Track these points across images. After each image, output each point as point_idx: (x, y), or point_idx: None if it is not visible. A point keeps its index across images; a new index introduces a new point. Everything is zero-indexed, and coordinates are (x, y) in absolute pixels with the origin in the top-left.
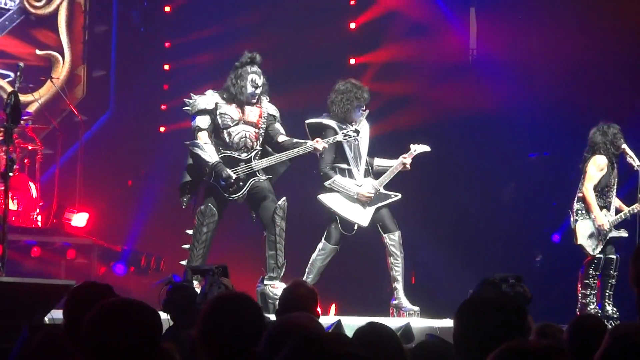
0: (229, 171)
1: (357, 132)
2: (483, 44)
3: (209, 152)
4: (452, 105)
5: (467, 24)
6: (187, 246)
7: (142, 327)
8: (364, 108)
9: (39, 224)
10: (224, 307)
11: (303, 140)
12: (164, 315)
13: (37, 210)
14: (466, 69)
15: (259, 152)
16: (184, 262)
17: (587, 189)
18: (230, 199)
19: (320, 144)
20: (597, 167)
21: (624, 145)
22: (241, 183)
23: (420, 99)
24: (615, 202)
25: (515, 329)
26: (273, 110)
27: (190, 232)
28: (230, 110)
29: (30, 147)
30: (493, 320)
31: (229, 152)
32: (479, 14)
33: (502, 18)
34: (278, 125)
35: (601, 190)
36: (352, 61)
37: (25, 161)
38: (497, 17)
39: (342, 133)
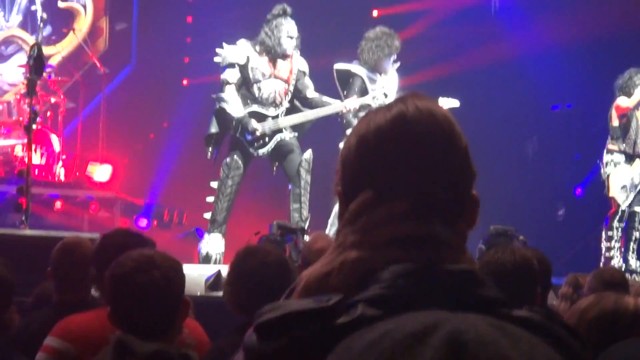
0: (256, 124)
1: (385, 95)
2: None
3: (235, 106)
4: (475, 56)
5: None
6: (211, 199)
7: (166, 279)
8: (395, 58)
9: (62, 177)
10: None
11: (332, 99)
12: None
13: (60, 163)
14: (488, 17)
15: (287, 109)
16: (207, 215)
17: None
18: (255, 154)
19: (349, 104)
20: (616, 103)
21: None
22: (267, 138)
23: (443, 50)
24: None
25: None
26: (303, 65)
27: (214, 184)
28: (262, 65)
29: (53, 100)
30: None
31: (256, 106)
32: None
33: None
34: (307, 80)
35: (626, 137)
36: (375, 13)
37: (48, 114)
38: None
39: (372, 95)
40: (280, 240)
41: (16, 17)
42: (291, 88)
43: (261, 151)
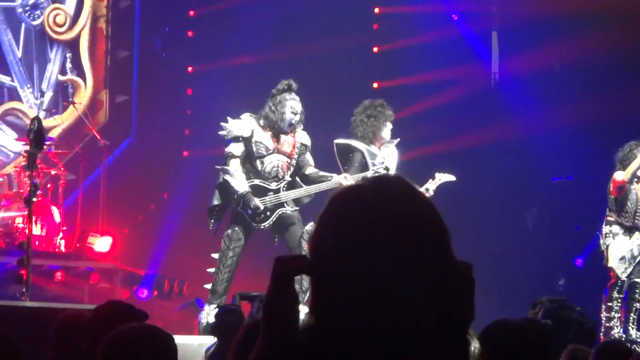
0: (257, 202)
1: (387, 169)
2: (505, 68)
3: (239, 181)
4: (476, 130)
5: (489, 48)
6: (212, 270)
7: (157, 353)
8: (392, 128)
9: (62, 248)
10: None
11: (329, 174)
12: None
13: (61, 234)
14: (489, 92)
15: (288, 183)
16: (208, 286)
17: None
18: (256, 227)
19: (347, 180)
20: (615, 177)
21: None
22: (268, 213)
23: (442, 123)
24: None
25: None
26: (306, 139)
27: (215, 255)
28: (266, 139)
29: (53, 172)
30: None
31: (258, 180)
32: (501, 38)
33: (523, 41)
34: (308, 156)
35: (623, 209)
36: (375, 85)
37: (49, 186)
38: (518, 41)
39: (373, 170)
40: (237, 309)
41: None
42: (294, 162)
43: (262, 225)
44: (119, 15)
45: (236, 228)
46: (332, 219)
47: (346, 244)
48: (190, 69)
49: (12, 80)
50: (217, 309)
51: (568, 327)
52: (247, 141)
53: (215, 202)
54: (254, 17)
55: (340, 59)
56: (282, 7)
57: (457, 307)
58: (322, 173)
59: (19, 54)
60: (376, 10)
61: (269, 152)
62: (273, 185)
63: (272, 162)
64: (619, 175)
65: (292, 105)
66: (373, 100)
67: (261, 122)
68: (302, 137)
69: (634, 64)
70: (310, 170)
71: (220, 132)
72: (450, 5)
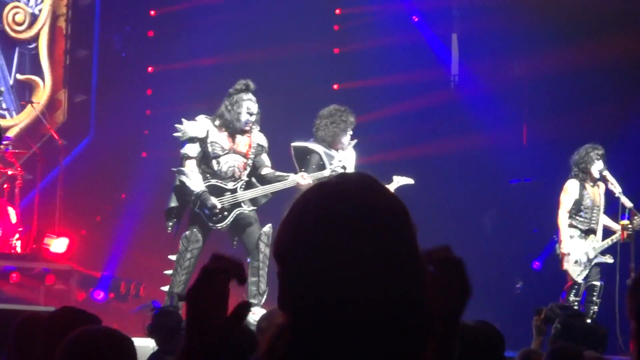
0: (214, 200)
1: (344, 168)
2: (465, 70)
3: (195, 181)
4: (435, 132)
5: (449, 50)
6: (169, 272)
7: (116, 356)
8: (352, 134)
9: (18, 249)
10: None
11: (286, 174)
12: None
13: (17, 235)
14: (448, 95)
15: (245, 182)
16: (165, 288)
17: (559, 215)
18: (214, 228)
19: (304, 179)
20: (565, 192)
21: (605, 172)
22: (225, 213)
23: (401, 125)
24: (605, 221)
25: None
26: (262, 140)
27: (173, 257)
28: (221, 139)
29: (9, 172)
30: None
31: (215, 180)
32: (461, 40)
33: (483, 44)
34: (264, 157)
35: (578, 213)
36: (335, 87)
37: (5, 186)
38: (478, 43)
39: (330, 169)
40: (174, 310)
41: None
42: (250, 162)
43: (220, 225)
44: (79, 14)
45: (194, 229)
46: (294, 218)
47: (307, 240)
48: (150, 69)
49: None
50: (154, 310)
51: (583, 334)
52: (202, 142)
53: (172, 204)
54: (215, 18)
55: (301, 61)
56: (243, 8)
57: (421, 299)
58: (278, 173)
59: None
60: (337, 11)
61: (224, 152)
62: (230, 185)
63: (228, 162)
64: (572, 187)
65: (248, 106)
66: (339, 106)
67: (217, 122)
68: (259, 137)
69: (593, 66)
70: (267, 170)
71: (175, 134)
72: (411, 7)
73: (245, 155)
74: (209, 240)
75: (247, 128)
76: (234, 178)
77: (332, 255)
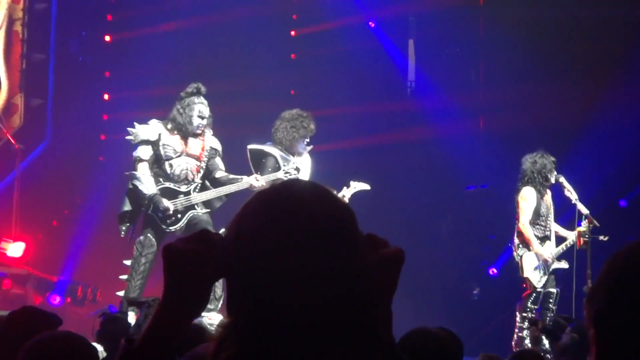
0: (167, 203)
1: (297, 170)
2: (421, 76)
3: (147, 184)
4: (390, 137)
5: (405, 56)
6: (124, 277)
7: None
8: (309, 141)
9: None
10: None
11: (239, 176)
12: (98, 347)
13: None
14: (404, 100)
15: (199, 185)
16: (120, 293)
17: (524, 224)
18: (168, 230)
19: (258, 181)
20: (525, 200)
21: (562, 179)
22: (179, 215)
23: (358, 131)
24: (555, 228)
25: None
26: (216, 144)
27: (128, 262)
28: (173, 142)
29: None
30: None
31: (168, 183)
32: (418, 46)
33: (441, 50)
34: (218, 160)
35: (536, 221)
36: (292, 92)
37: None
38: (435, 49)
39: (284, 170)
40: (122, 316)
41: None
42: (203, 165)
43: (173, 227)
44: (35, 18)
45: (148, 234)
46: (237, 222)
47: (250, 244)
48: (107, 73)
49: None
50: (101, 317)
51: None
52: (154, 145)
53: (125, 208)
54: (172, 24)
55: (259, 66)
56: (200, 14)
57: (365, 308)
58: (232, 176)
59: None
60: (294, 16)
61: (177, 154)
62: (183, 188)
63: (180, 165)
64: (530, 195)
65: (199, 109)
66: (302, 112)
67: (169, 125)
68: (212, 141)
69: (551, 70)
70: (221, 174)
71: (127, 137)
72: (368, 13)
73: (198, 158)
74: (162, 244)
75: (199, 131)
76: (187, 181)
77: (275, 258)
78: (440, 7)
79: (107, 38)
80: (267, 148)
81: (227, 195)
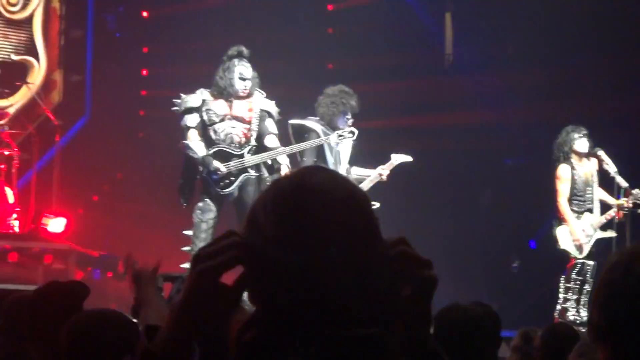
0: (217, 164)
1: (352, 133)
2: (459, 49)
3: (197, 149)
4: (430, 111)
5: (442, 30)
6: (187, 248)
7: (119, 339)
8: (349, 117)
9: (16, 229)
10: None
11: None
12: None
13: (14, 215)
14: (442, 74)
15: (253, 148)
16: (185, 265)
17: (560, 203)
18: (222, 193)
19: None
20: (558, 179)
21: (600, 152)
22: (232, 178)
23: (397, 105)
24: (602, 196)
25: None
26: (268, 105)
27: (189, 232)
28: (217, 106)
29: (6, 153)
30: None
31: (223, 146)
32: (455, 19)
33: (478, 23)
34: (269, 123)
35: (572, 197)
36: (329, 66)
37: (2, 166)
38: (473, 22)
39: (337, 134)
40: (158, 291)
41: None
42: (253, 127)
43: (227, 190)
44: None
45: (206, 199)
46: (256, 212)
47: (274, 234)
48: (145, 49)
49: None
50: None
51: None
52: (199, 111)
53: (181, 180)
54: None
55: (296, 40)
56: None
57: (385, 296)
58: (283, 148)
59: None
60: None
61: (220, 118)
62: (237, 151)
63: (224, 130)
64: (564, 172)
65: (240, 71)
66: (345, 88)
67: (214, 91)
68: (262, 102)
69: (588, 47)
70: (272, 142)
71: (173, 108)
72: None
73: (244, 121)
74: (220, 207)
75: (242, 94)
76: (237, 144)
77: (299, 248)
78: None
79: (145, 14)
80: (309, 123)
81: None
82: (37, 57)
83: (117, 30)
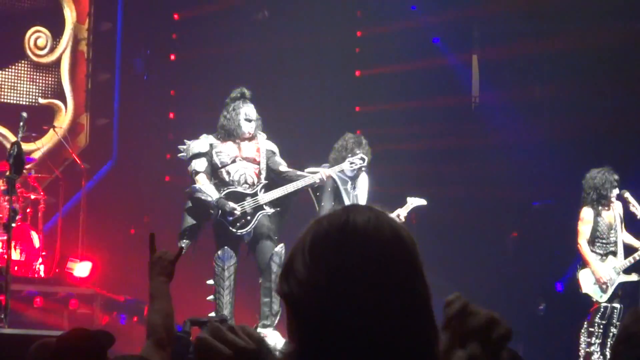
0: (232, 204)
1: (363, 159)
2: (485, 91)
3: (209, 192)
4: (455, 153)
5: (469, 71)
6: (211, 297)
7: None
8: (362, 159)
9: (42, 273)
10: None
11: (306, 173)
12: None
13: (40, 259)
14: (469, 116)
15: (265, 186)
16: (212, 314)
17: (581, 245)
18: (238, 233)
19: (327, 172)
20: (581, 221)
21: (627, 194)
22: (248, 217)
23: (422, 147)
24: (627, 239)
25: None
26: (271, 146)
27: (211, 282)
28: (227, 149)
29: (32, 197)
30: None
31: (233, 187)
32: (481, 61)
33: (504, 64)
34: (278, 158)
35: (595, 240)
36: (357, 109)
37: (28, 210)
38: (499, 64)
39: (349, 161)
40: (184, 335)
41: None
42: (263, 167)
43: (244, 230)
44: (100, 38)
45: (225, 247)
46: (300, 254)
47: (316, 278)
48: (172, 92)
49: None
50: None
51: None
52: (207, 156)
53: (185, 225)
54: (236, 44)
55: (323, 82)
56: (265, 31)
57: (427, 336)
58: (299, 172)
59: None
60: (358, 33)
61: (232, 159)
62: (249, 190)
63: (238, 170)
64: (588, 215)
65: (246, 112)
66: (351, 135)
67: (219, 135)
68: (266, 144)
69: (616, 89)
70: (285, 168)
71: (179, 155)
72: (430, 27)
73: (254, 161)
74: (240, 251)
75: (248, 135)
76: (249, 184)
77: (343, 293)
78: (504, 22)
79: (172, 57)
80: (324, 170)
81: (294, 193)
82: (64, 101)
83: (145, 73)
